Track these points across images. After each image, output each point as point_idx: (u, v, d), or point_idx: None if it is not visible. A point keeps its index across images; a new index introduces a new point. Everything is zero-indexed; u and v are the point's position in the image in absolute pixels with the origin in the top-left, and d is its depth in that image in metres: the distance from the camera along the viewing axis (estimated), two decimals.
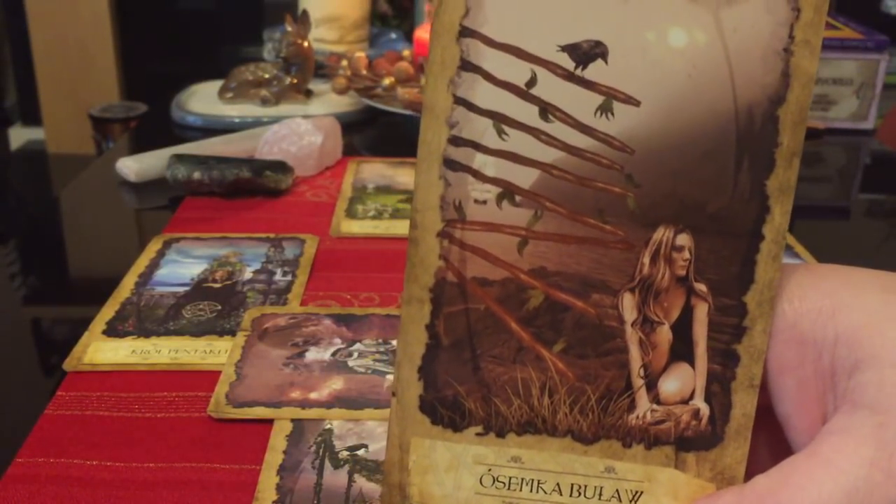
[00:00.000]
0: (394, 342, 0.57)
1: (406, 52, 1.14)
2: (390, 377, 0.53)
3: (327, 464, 0.46)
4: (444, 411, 0.29)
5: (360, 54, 1.10)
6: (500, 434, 0.29)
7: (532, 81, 0.28)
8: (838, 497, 0.25)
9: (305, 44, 1.07)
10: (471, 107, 0.28)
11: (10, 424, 0.50)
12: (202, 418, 0.50)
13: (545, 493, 0.30)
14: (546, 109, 0.28)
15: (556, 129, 0.28)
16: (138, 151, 0.88)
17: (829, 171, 1.02)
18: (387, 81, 1.04)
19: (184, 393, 0.52)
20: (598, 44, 0.27)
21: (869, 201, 0.97)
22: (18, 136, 2.97)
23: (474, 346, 0.29)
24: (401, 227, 0.76)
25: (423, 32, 1.13)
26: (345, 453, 0.47)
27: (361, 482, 0.45)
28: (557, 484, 0.29)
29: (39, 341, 0.63)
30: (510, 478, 0.30)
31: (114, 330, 0.58)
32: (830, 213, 0.91)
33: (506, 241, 0.28)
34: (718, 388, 0.29)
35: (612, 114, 0.28)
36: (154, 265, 0.67)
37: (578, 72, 0.27)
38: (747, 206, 0.28)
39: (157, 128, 1.06)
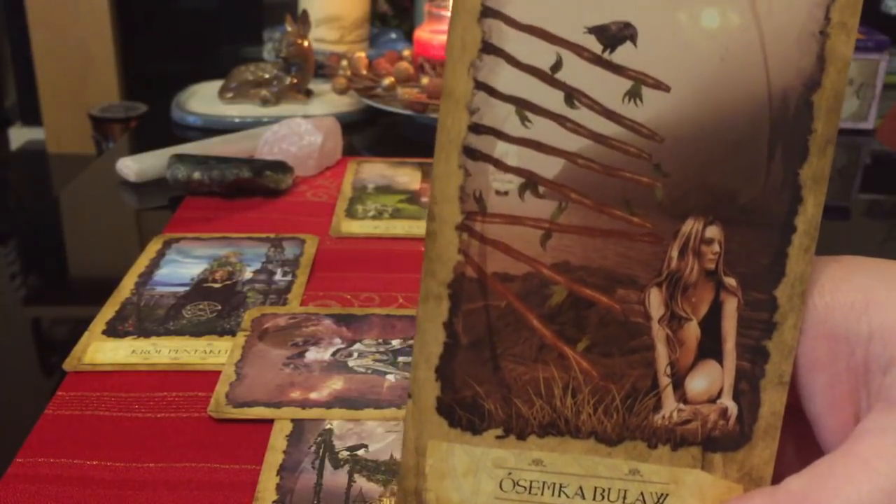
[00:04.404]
0: (394, 342, 0.57)
1: (406, 52, 1.13)
2: (390, 377, 0.53)
3: (327, 464, 0.46)
4: (463, 413, 0.28)
5: (360, 54, 1.10)
6: (521, 436, 0.28)
7: (557, 65, 0.26)
8: (878, 498, 0.25)
9: (305, 44, 1.07)
10: (492, 92, 0.26)
11: (10, 424, 0.50)
12: (202, 418, 0.50)
13: (567, 496, 0.29)
14: (572, 95, 0.26)
15: (582, 115, 0.26)
16: (138, 151, 0.88)
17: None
18: (387, 81, 1.03)
19: (184, 393, 0.52)
20: (628, 25, 0.26)
21: (869, 201, 0.96)
22: (18, 136, 2.97)
23: (494, 344, 0.28)
24: (401, 228, 0.76)
25: (423, 32, 1.13)
26: (345, 453, 0.47)
27: (361, 482, 0.45)
28: (580, 487, 0.28)
29: (39, 341, 0.63)
30: (531, 481, 0.28)
31: (114, 330, 0.58)
32: (830, 213, 0.90)
33: (528, 234, 0.27)
34: (747, 386, 0.28)
35: (641, 100, 0.26)
36: (154, 265, 0.67)
37: (606, 55, 0.26)
38: (779, 196, 0.27)
39: (157, 128, 1.06)
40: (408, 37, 1.35)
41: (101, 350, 0.56)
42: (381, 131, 1.06)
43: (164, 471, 0.46)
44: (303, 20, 1.07)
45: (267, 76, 1.07)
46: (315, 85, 1.12)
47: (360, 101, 1.06)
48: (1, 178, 2.83)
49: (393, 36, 1.36)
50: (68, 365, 0.54)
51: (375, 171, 0.89)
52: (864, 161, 1.07)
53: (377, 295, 0.64)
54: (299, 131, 0.87)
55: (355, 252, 0.72)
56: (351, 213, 0.79)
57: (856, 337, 0.27)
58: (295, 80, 1.07)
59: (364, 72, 1.07)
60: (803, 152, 0.27)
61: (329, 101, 1.09)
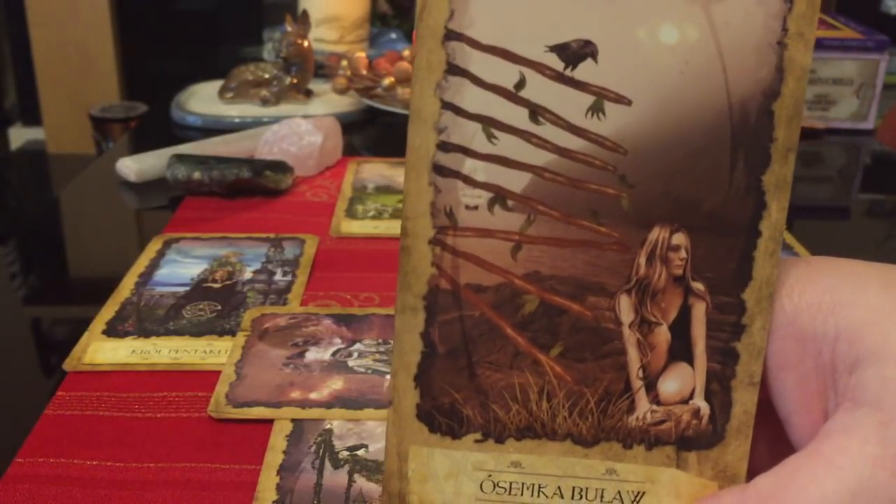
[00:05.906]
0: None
1: (406, 52, 1.14)
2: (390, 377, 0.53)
3: (327, 464, 0.46)
4: (442, 419, 0.29)
5: (360, 54, 1.10)
6: (499, 440, 0.29)
7: (521, 83, 0.27)
8: (842, 497, 0.25)
9: (305, 44, 1.07)
10: (459, 111, 0.27)
11: (10, 424, 0.50)
12: (202, 418, 0.50)
13: (546, 497, 0.29)
14: (536, 112, 0.27)
15: (547, 131, 0.27)
16: (138, 151, 0.88)
17: (829, 171, 1.02)
18: (387, 81, 1.04)
19: (184, 393, 0.52)
20: (588, 43, 0.27)
21: (869, 201, 0.97)
22: (18, 136, 2.97)
23: (470, 352, 0.29)
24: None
25: None
26: (345, 453, 0.47)
27: (361, 482, 0.45)
28: (558, 487, 0.29)
29: (39, 341, 0.63)
30: (511, 483, 0.29)
31: (114, 330, 0.58)
32: (830, 213, 0.90)
33: (499, 246, 0.28)
34: (718, 387, 0.29)
35: (604, 114, 0.27)
36: (154, 265, 0.67)
37: (568, 72, 0.27)
38: (743, 202, 0.28)
39: (157, 128, 1.06)
40: (408, 37, 1.36)
41: (101, 350, 0.56)
42: (381, 131, 1.06)
43: (164, 471, 0.46)
44: (303, 20, 1.07)
45: (267, 76, 1.07)
46: (315, 85, 1.12)
47: (360, 101, 1.06)
48: (1, 178, 2.83)
49: (393, 36, 1.36)
50: (68, 365, 0.54)
51: (375, 171, 0.90)
52: (864, 161, 1.07)
53: (377, 295, 0.64)
54: (299, 131, 0.87)
55: (355, 252, 0.72)
56: (351, 213, 0.79)
57: (823, 337, 0.27)
58: (295, 80, 1.07)
59: (364, 72, 1.07)
60: (765, 160, 0.27)
61: (329, 101, 1.09)
